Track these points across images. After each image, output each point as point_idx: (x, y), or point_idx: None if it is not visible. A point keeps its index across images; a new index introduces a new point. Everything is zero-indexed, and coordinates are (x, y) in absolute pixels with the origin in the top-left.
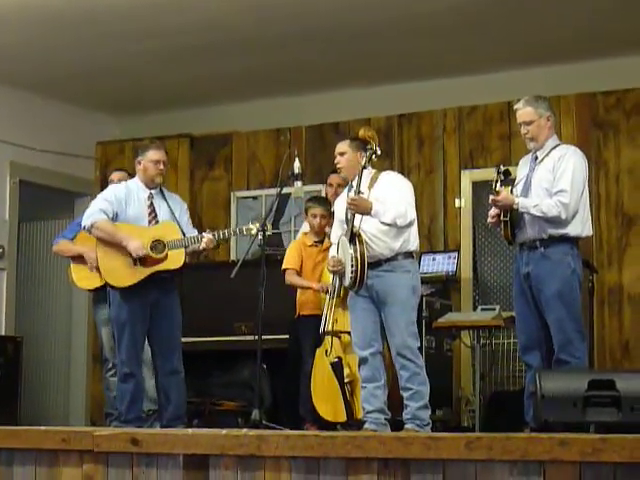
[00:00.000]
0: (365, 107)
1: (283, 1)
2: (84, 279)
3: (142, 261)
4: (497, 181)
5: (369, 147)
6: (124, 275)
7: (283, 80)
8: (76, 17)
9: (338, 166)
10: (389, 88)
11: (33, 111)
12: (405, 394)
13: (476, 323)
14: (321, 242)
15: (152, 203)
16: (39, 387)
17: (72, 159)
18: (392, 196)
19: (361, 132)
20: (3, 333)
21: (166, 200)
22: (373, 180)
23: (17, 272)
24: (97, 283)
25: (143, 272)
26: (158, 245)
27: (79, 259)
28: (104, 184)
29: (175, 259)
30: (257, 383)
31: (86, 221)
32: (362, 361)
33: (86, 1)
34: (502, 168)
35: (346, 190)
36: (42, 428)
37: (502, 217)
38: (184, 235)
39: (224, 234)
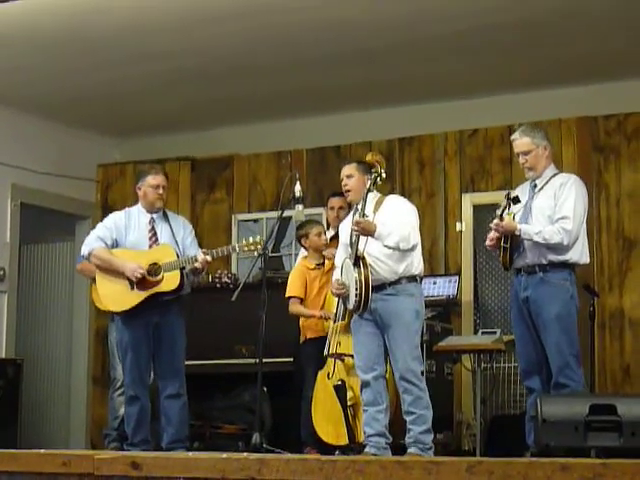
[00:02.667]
0: (366, 130)
1: (283, 26)
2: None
3: (139, 285)
4: (506, 207)
5: (374, 170)
6: (121, 300)
7: (284, 103)
8: (77, 42)
9: (345, 189)
10: (390, 111)
11: (34, 134)
12: (408, 418)
13: (477, 347)
14: (322, 264)
15: (153, 227)
16: (39, 410)
17: (73, 182)
18: (396, 220)
19: (369, 157)
20: (3, 356)
21: (169, 223)
22: (378, 204)
23: (18, 295)
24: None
25: (140, 296)
26: (155, 268)
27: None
28: (105, 206)
29: (170, 281)
30: (258, 406)
31: (84, 249)
32: (364, 384)
33: (87, 26)
34: (512, 195)
35: (351, 213)
36: (42, 451)
37: (502, 243)
38: (179, 257)
39: (218, 252)
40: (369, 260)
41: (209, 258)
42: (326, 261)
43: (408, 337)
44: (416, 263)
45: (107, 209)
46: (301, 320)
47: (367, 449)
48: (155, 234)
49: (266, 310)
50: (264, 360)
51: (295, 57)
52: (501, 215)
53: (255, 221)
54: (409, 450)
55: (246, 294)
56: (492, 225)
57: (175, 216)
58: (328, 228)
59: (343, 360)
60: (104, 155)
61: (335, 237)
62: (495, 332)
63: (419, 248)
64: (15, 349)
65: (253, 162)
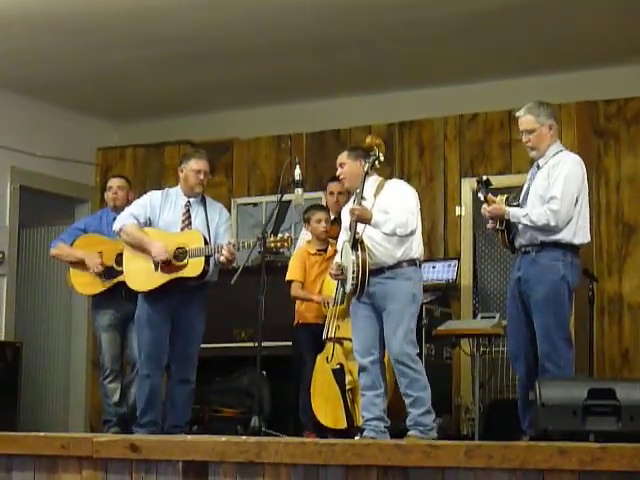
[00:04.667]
0: (366, 114)
1: (283, 9)
2: (84, 284)
3: (163, 267)
4: (479, 191)
5: (372, 153)
6: (144, 279)
7: (284, 87)
8: (76, 23)
9: (340, 177)
10: (390, 96)
11: (33, 117)
12: (406, 401)
13: (476, 331)
14: (325, 250)
15: (188, 210)
16: (38, 393)
17: (72, 165)
18: (395, 205)
19: (368, 139)
20: (2, 339)
21: (205, 208)
22: (379, 188)
23: (17, 278)
24: (98, 289)
25: (162, 278)
26: (181, 252)
27: (78, 264)
28: (104, 190)
29: (194, 267)
30: (257, 390)
31: (116, 224)
32: (362, 369)
33: (87, 8)
34: (484, 178)
35: (352, 199)
36: (41, 434)
37: (497, 226)
38: (207, 244)
39: (243, 244)
40: (368, 243)
41: (232, 250)
42: (329, 247)
43: (403, 320)
44: (415, 247)
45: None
46: (297, 303)
47: (365, 433)
48: (189, 217)
49: (265, 294)
50: (263, 344)
51: (294, 41)
52: (485, 199)
53: (254, 205)
54: (409, 433)
55: (245, 278)
56: (481, 212)
57: (213, 202)
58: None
59: (342, 344)
60: (103, 138)
61: (334, 221)
62: (494, 316)
63: (419, 232)
64: (14, 332)
65: (253, 146)
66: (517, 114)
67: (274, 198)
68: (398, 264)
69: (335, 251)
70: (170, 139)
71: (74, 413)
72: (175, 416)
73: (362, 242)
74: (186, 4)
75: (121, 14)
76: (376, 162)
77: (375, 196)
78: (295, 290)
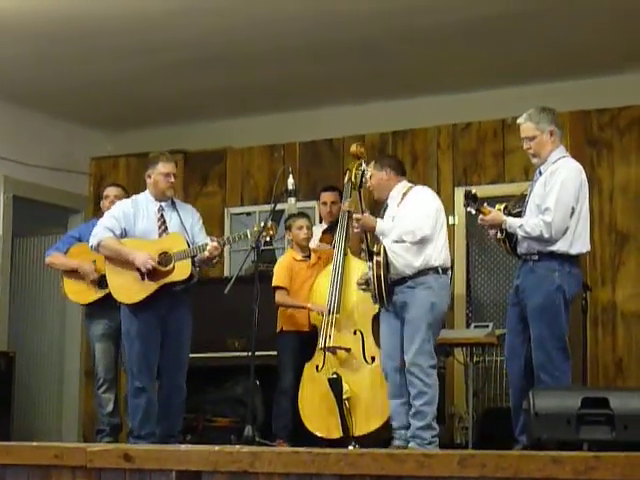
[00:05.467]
0: (359, 124)
1: (277, 17)
2: (78, 293)
3: (150, 275)
4: (468, 206)
5: (357, 163)
6: (133, 291)
7: (277, 96)
8: (69, 32)
9: (370, 188)
10: (383, 105)
11: (27, 126)
12: (410, 411)
13: (469, 340)
14: (308, 257)
15: (162, 215)
16: (32, 403)
17: (66, 174)
18: (410, 212)
19: (352, 148)
20: None
21: (177, 211)
22: (404, 196)
23: (10, 287)
24: (91, 297)
25: (151, 286)
26: (165, 257)
27: (72, 273)
28: (98, 199)
29: (182, 270)
30: (250, 399)
31: (92, 240)
32: (385, 376)
33: (79, 17)
34: (472, 192)
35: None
36: (34, 444)
37: (498, 235)
38: (189, 245)
39: (228, 240)
40: (388, 254)
41: (217, 245)
42: (312, 254)
43: (419, 330)
44: (436, 254)
45: (100, 202)
46: (279, 310)
47: (394, 442)
48: (164, 223)
49: (258, 303)
50: (256, 353)
51: (288, 49)
52: (478, 211)
53: (248, 214)
54: (410, 444)
55: (238, 287)
56: (479, 221)
57: (183, 204)
58: (321, 222)
59: (335, 353)
60: (97, 148)
61: (328, 231)
62: (487, 326)
63: (440, 239)
64: (7, 342)
65: (246, 155)
66: (518, 121)
67: (267, 207)
68: (419, 273)
69: (319, 258)
70: (163, 149)
71: (67, 422)
72: (167, 425)
73: (378, 253)
74: (187, 10)
75: (114, 23)
76: (362, 174)
77: (399, 205)
78: (282, 297)
